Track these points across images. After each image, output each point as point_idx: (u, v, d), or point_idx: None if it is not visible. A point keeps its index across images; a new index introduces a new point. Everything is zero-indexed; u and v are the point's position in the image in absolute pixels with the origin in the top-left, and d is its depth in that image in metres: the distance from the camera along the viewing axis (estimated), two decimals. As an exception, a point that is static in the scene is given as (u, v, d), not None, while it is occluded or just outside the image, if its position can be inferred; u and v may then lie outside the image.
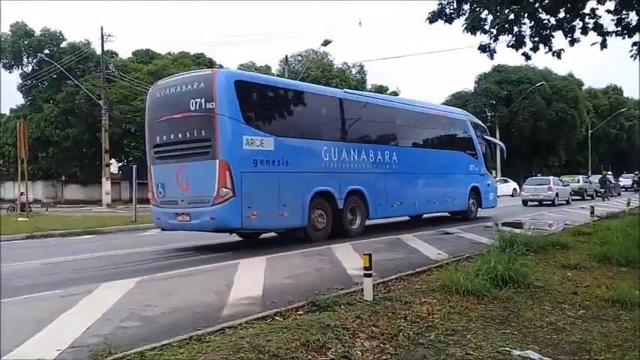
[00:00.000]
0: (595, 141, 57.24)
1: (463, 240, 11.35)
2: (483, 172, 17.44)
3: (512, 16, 9.28)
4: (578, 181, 31.32)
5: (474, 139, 17.26)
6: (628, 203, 19.78)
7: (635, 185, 40.49)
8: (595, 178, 34.17)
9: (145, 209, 24.60)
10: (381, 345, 4.14)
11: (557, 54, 9.83)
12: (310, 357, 3.82)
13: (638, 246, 8.23)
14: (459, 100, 49.25)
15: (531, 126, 47.97)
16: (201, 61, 40.79)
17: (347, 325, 4.45)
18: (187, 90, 10.11)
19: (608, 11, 9.83)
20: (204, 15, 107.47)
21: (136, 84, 33.78)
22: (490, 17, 9.43)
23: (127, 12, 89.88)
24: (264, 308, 5.29)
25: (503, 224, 11.43)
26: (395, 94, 45.49)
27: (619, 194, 34.90)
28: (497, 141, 20.84)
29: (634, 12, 9.57)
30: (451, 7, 9.53)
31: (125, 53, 43.07)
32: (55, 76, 36.76)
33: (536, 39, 9.80)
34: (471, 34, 9.33)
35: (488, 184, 17.77)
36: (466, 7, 9.51)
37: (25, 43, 37.94)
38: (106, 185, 31.62)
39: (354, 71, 48.82)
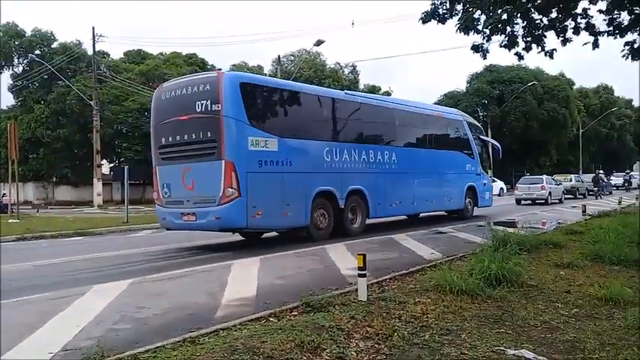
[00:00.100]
0: (586, 140, 57.70)
1: (456, 239, 11.39)
2: (479, 171, 17.61)
3: (504, 16, 9.33)
4: (571, 180, 31.65)
5: (471, 139, 17.42)
6: (619, 202, 19.96)
7: (626, 184, 40.99)
8: (586, 177, 34.60)
9: (137, 210, 24.69)
10: (376, 345, 4.13)
11: (550, 54, 9.91)
12: (305, 358, 3.80)
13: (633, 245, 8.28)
14: (451, 99, 49.37)
15: (523, 125, 48.17)
16: (193, 61, 40.67)
17: (341, 326, 4.44)
18: (193, 92, 10.19)
19: (600, 11, 9.92)
20: (196, 15, 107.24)
21: (127, 84, 33.58)
22: (483, 17, 9.48)
23: (119, 12, 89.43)
24: (258, 309, 5.28)
25: (497, 223, 11.50)
26: (387, 94, 45.53)
27: (610, 193, 35.55)
28: (492, 141, 21.01)
29: (626, 12, 9.65)
30: (444, 8, 9.56)
31: (117, 54, 43.02)
32: (46, 76, 36.43)
33: (529, 39, 9.87)
34: (464, 34, 9.38)
35: (484, 184, 17.96)
36: (459, 7, 9.55)
37: (16, 43, 37.64)
38: (98, 186, 31.34)
39: (346, 71, 48.77)
